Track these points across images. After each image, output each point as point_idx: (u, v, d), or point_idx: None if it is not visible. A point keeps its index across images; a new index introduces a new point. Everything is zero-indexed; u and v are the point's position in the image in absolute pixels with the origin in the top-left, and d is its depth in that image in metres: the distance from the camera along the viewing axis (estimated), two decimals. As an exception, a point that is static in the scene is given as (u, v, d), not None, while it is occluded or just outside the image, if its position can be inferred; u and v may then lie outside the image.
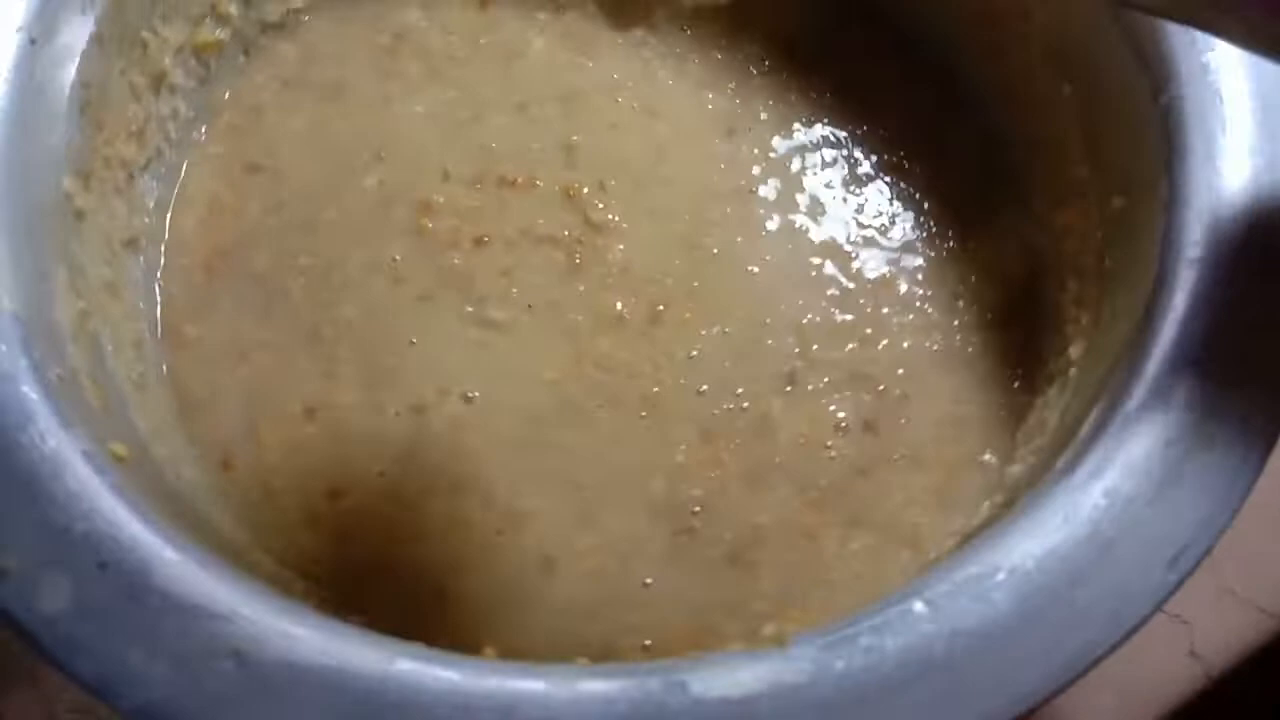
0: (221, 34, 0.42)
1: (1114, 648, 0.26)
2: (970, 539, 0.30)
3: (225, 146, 0.43)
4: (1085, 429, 0.30)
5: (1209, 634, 0.43)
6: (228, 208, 0.42)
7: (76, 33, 0.34)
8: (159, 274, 0.40)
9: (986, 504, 0.36)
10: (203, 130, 0.42)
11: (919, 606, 0.26)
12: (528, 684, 0.25)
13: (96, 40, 0.35)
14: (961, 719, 0.25)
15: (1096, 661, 0.26)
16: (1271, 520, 0.43)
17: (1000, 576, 0.26)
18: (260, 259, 0.41)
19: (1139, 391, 0.29)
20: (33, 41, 0.33)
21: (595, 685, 0.25)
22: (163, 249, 0.41)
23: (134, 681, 0.24)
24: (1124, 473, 0.27)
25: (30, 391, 0.28)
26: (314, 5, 0.45)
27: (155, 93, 0.39)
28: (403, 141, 0.43)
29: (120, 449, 0.29)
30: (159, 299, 0.40)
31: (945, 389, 0.39)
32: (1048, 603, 0.26)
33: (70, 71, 0.34)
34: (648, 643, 0.36)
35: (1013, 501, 0.31)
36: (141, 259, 0.39)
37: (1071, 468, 0.28)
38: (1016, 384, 0.39)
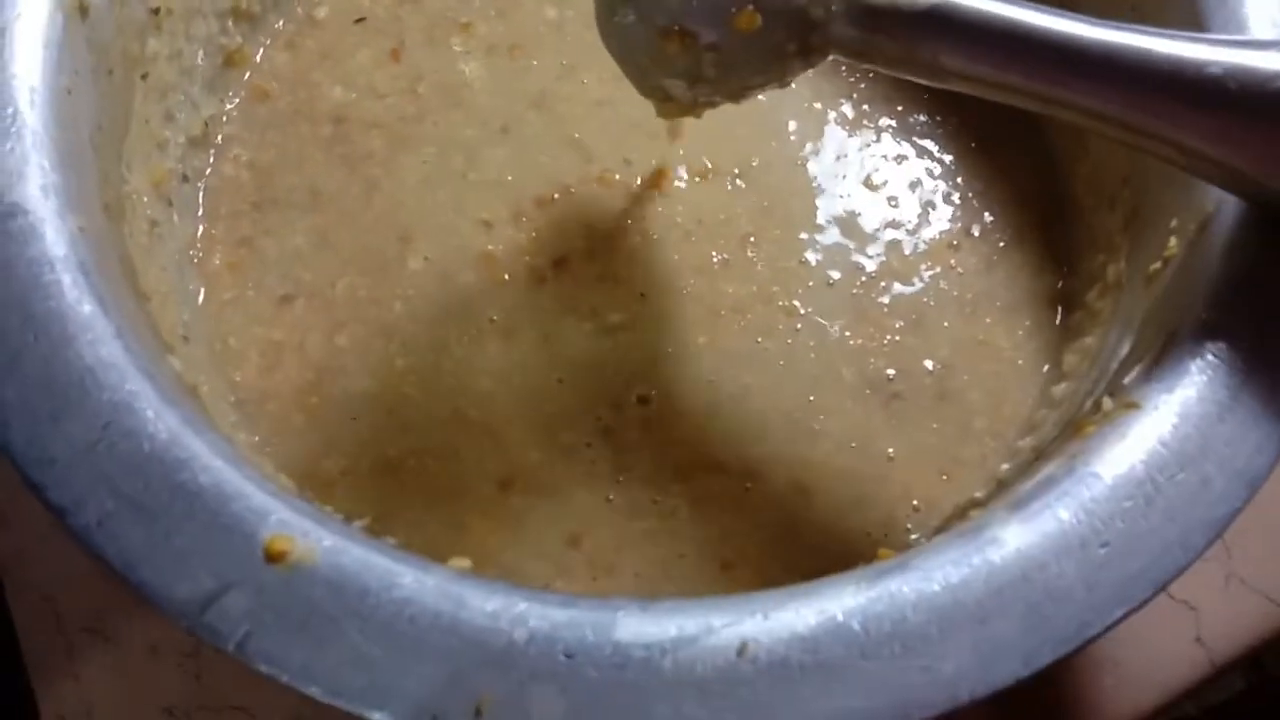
0: (167, 162, 0.40)
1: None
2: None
3: (236, 289, 0.41)
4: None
5: (1216, 622, 0.42)
6: (284, 346, 0.40)
7: (95, 211, 0.32)
8: (257, 437, 0.39)
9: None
10: (199, 282, 0.41)
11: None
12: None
13: (106, 211, 0.33)
14: None
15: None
16: (1284, 510, 0.43)
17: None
18: (357, 381, 0.40)
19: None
20: (81, 230, 0.30)
21: (1043, 519, 0.27)
22: (232, 401, 0.39)
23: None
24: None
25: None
26: (229, 112, 0.44)
27: (155, 245, 0.37)
28: (418, 214, 0.43)
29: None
30: (275, 460, 0.38)
31: (1003, 172, 0.43)
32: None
33: (113, 250, 0.33)
34: (915, 503, 0.38)
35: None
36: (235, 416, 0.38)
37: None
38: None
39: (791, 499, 0.38)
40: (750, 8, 0.31)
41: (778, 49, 0.32)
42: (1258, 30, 0.33)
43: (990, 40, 0.29)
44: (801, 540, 0.38)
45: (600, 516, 0.38)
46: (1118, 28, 0.28)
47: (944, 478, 0.39)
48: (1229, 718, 0.47)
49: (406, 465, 0.38)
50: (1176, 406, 0.28)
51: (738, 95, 0.33)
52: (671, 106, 0.34)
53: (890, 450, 0.39)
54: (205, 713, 0.40)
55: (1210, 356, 0.29)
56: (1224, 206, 0.31)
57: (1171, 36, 0.28)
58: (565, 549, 0.37)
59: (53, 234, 0.28)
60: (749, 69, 0.32)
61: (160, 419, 0.27)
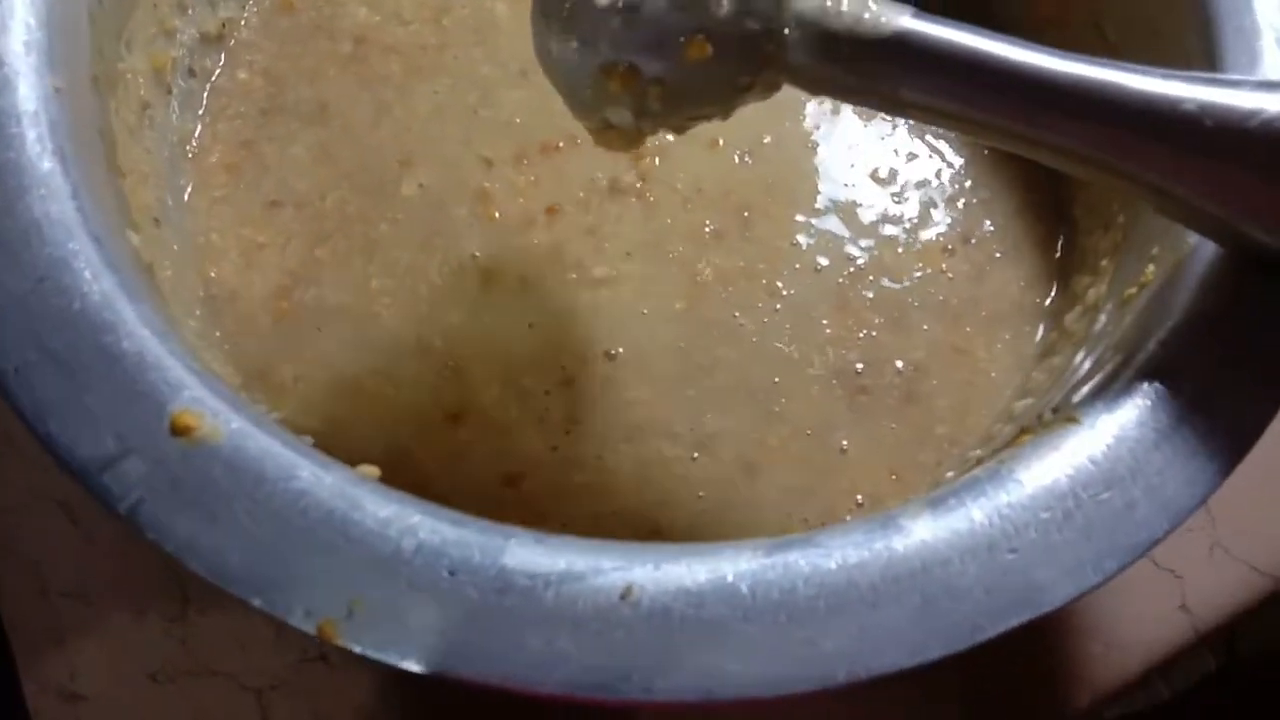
0: (172, 51, 0.40)
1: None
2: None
3: (228, 189, 0.41)
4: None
5: (1201, 589, 0.43)
6: (266, 249, 0.41)
7: (80, 78, 0.33)
8: (219, 332, 0.39)
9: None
10: (191, 177, 0.41)
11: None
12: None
13: (94, 82, 0.33)
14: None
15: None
16: (1269, 481, 0.44)
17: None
18: (331, 293, 0.40)
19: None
20: (58, 91, 0.31)
21: (955, 516, 0.27)
22: (201, 295, 0.39)
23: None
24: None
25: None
26: (248, 18, 0.44)
27: (143, 126, 0.38)
28: (423, 142, 0.43)
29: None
30: (233, 357, 0.38)
31: (1011, 184, 0.43)
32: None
33: (92, 120, 0.33)
34: (859, 499, 0.38)
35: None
36: (201, 310, 0.38)
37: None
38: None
39: (736, 476, 0.38)
40: (700, 36, 0.28)
41: (729, 80, 0.29)
42: (1271, 67, 0.32)
43: (956, 72, 0.27)
44: (736, 518, 0.37)
45: (542, 463, 0.38)
46: (1090, 62, 0.27)
47: (893, 478, 0.38)
48: (1200, 699, 0.47)
49: (362, 384, 0.38)
50: (1114, 427, 0.27)
51: (682, 128, 0.32)
52: (612, 135, 0.32)
53: (845, 443, 0.38)
54: (189, 678, 0.40)
55: (1159, 384, 0.28)
56: (1204, 242, 0.30)
57: (1145, 72, 0.27)
58: (500, 488, 0.37)
59: (26, 89, 0.29)
60: (698, 101, 0.30)
61: (96, 281, 0.27)
